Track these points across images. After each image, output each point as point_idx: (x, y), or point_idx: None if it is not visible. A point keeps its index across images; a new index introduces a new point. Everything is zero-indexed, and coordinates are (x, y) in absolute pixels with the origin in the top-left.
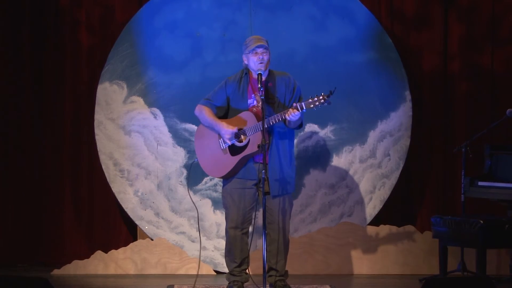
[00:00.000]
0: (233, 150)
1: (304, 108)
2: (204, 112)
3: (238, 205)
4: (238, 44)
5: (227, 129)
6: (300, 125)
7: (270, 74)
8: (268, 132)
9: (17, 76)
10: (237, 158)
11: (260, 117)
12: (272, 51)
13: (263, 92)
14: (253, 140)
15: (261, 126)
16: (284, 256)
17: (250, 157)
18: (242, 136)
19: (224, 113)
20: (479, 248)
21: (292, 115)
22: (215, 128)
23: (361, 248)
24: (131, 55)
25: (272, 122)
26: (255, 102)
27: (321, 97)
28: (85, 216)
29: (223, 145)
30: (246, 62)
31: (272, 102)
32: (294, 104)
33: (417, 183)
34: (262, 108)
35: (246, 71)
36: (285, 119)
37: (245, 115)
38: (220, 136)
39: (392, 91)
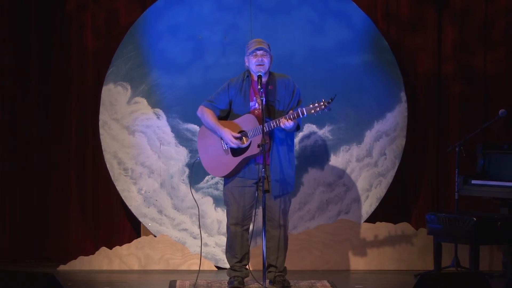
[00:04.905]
0: (235, 151)
1: (305, 113)
2: (206, 116)
3: (239, 202)
4: (238, 47)
5: (230, 137)
6: (298, 128)
7: (271, 76)
8: (269, 135)
9: (25, 77)
10: (239, 159)
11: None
12: (272, 53)
13: (262, 93)
14: (255, 142)
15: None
16: (283, 252)
17: (252, 158)
18: (244, 138)
19: (227, 114)
20: (472, 244)
21: (286, 125)
22: (217, 133)
23: (358, 245)
24: (135, 57)
25: (271, 127)
26: (256, 104)
27: (321, 103)
28: (90, 213)
29: (225, 146)
30: (247, 64)
31: (273, 104)
32: (291, 112)
33: (412, 182)
34: (261, 109)
35: (248, 73)
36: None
37: (247, 117)
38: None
39: (388, 92)
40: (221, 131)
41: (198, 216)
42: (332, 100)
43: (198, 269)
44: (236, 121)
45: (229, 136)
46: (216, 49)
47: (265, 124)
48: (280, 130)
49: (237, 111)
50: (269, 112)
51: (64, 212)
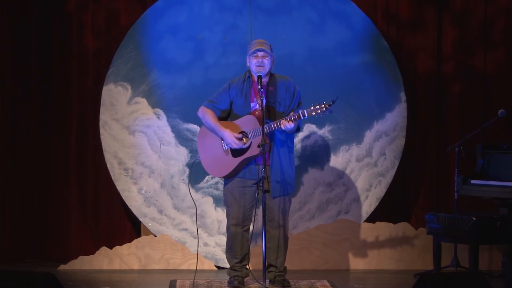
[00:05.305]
0: (235, 151)
1: (306, 115)
2: (207, 116)
3: (239, 203)
4: (238, 47)
5: (232, 138)
6: (298, 129)
7: (272, 78)
8: (270, 136)
9: (26, 77)
10: (239, 159)
11: None
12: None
13: (262, 94)
14: (255, 142)
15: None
16: (283, 252)
17: (252, 159)
18: (244, 138)
19: (227, 115)
20: (472, 244)
21: (287, 126)
22: (218, 134)
23: (357, 244)
24: (135, 57)
25: (271, 128)
26: (257, 105)
27: (322, 106)
28: (91, 213)
29: (225, 146)
30: (248, 64)
31: (273, 106)
32: (292, 114)
33: (412, 182)
34: (261, 109)
35: (249, 74)
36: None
37: (247, 118)
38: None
39: (388, 92)
40: (222, 132)
41: (196, 216)
42: (333, 102)
43: (199, 269)
44: (237, 121)
45: (231, 138)
46: (216, 49)
47: (266, 125)
48: (280, 132)
49: (237, 111)
50: (270, 113)
51: (65, 212)
